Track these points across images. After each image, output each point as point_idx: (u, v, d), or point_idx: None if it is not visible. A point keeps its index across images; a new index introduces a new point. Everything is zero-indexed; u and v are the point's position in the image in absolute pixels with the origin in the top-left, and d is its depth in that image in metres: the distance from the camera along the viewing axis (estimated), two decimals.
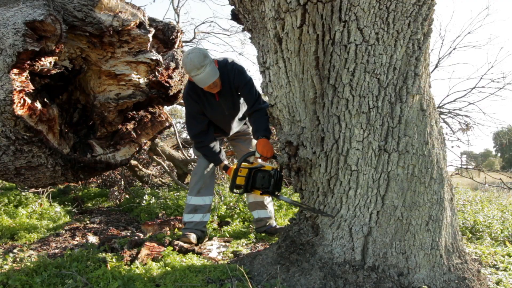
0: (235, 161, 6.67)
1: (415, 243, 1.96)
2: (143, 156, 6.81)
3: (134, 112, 4.18)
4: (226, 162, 3.09)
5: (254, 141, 3.52)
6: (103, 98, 3.75)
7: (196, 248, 2.88)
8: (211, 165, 3.20)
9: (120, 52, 3.57)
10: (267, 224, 3.39)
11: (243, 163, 2.65)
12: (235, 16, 2.55)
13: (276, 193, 2.56)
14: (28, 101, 2.94)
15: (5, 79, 2.75)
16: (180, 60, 4.18)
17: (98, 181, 6.77)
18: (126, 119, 4.12)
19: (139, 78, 3.79)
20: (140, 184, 6.51)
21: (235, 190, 2.65)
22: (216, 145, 3.09)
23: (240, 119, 3.28)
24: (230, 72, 2.87)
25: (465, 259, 2.12)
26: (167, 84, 3.98)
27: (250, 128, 3.44)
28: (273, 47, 2.08)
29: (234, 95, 3.01)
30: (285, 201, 2.55)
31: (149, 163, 7.03)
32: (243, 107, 3.18)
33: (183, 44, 6.15)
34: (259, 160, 2.81)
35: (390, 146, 1.93)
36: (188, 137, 7.34)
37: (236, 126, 3.29)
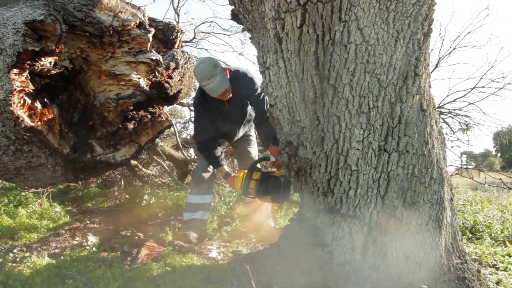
0: (235, 161, 6.66)
1: (415, 243, 1.96)
2: (143, 156, 6.80)
3: (134, 112, 4.18)
4: (227, 169, 3.08)
5: (255, 143, 3.57)
6: (103, 98, 3.75)
7: (196, 248, 2.88)
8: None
9: (120, 52, 3.57)
10: (265, 224, 3.40)
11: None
12: (235, 16, 2.55)
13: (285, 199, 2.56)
14: (28, 101, 2.94)
15: (5, 79, 2.75)
16: (180, 60, 4.19)
17: (98, 181, 6.75)
18: (126, 119, 4.12)
19: (139, 78, 3.78)
20: (140, 184, 6.51)
21: (248, 195, 2.62)
22: (218, 150, 3.12)
23: (245, 125, 3.32)
24: (241, 82, 2.91)
25: (465, 259, 2.12)
26: (167, 84, 3.98)
27: (251, 130, 3.51)
28: (273, 47, 2.08)
29: (244, 104, 3.06)
30: (298, 204, 2.53)
31: (149, 163, 7.02)
32: (249, 114, 3.22)
33: (183, 44, 6.16)
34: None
35: (390, 146, 1.93)
36: (188, 137, 7.35)
37: (241, 132, 3.34)
